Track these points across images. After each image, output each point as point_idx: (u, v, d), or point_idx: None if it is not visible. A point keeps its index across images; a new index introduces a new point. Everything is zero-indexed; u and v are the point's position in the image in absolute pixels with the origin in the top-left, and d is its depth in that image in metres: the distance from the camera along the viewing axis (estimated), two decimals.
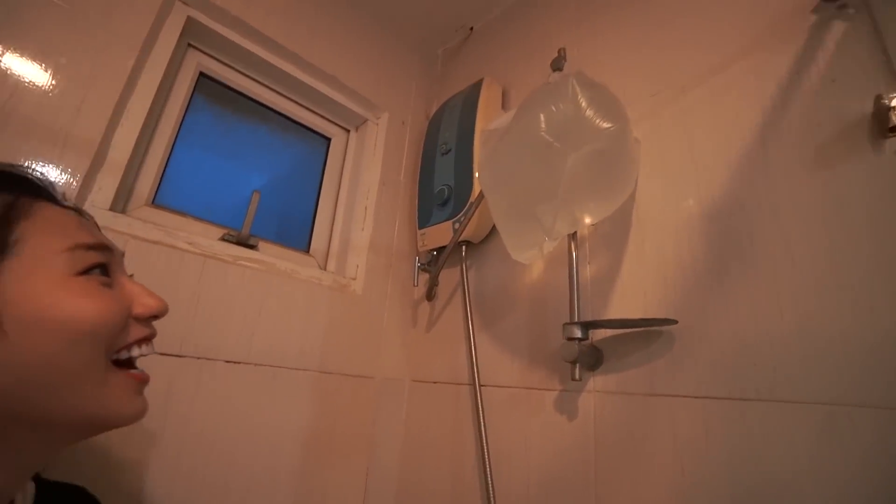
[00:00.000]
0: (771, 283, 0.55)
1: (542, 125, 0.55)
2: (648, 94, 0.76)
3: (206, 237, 0.78)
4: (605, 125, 0.54)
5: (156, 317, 0.39)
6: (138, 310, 0.37)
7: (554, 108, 0.56)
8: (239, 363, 0.74)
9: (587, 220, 0.62)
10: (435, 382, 0.92)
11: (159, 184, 0.81)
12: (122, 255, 0.40)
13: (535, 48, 1.01)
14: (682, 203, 0.66)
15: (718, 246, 0.61)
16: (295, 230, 1.03)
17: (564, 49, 0.85)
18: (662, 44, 0.77)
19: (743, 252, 0.59)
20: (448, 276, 1.00)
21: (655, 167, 0.71)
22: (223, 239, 0.83)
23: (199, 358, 0.69)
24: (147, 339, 0.38)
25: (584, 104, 0.55)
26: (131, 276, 0.40)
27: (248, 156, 1.00)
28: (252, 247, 0.87)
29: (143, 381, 0.38)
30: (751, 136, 0.62)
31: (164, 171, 0.82)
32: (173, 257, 0.71)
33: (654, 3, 0.80)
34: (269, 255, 0.87)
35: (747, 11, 0.67)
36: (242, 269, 0.78)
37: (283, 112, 1.03)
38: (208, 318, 0.71)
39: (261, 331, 0.78)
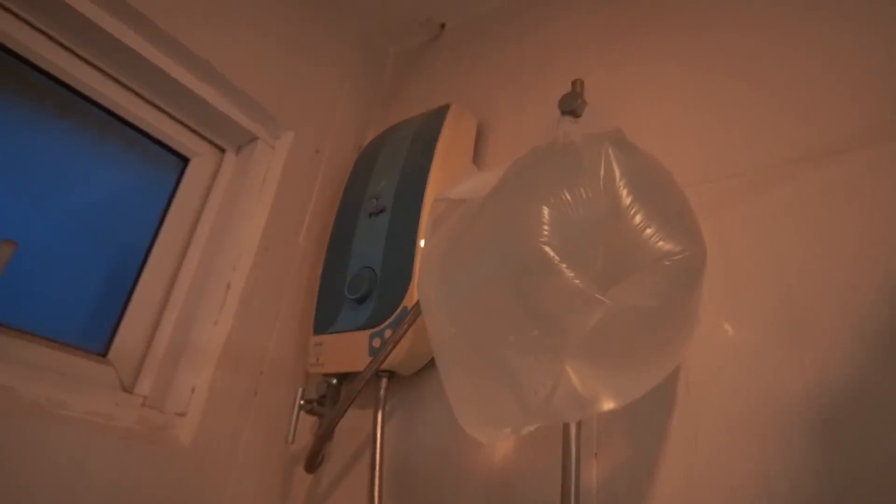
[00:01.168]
0: None
1: (545, 227, 0.39)
2: (704, 178, 0.65)
3: None
4: (669, 248, 0.40)
5: None
6: None
7: (569, 196, 0.41)
8: None
9: (607, 405, 0.46)
10: None
11: None
12: None
13: (534, 69, 0.93)
14: (767, 378, 0.53)
15: (832, 463, 0.47)
16: (89, 315, 0.80)
17: (582, 81, 0.75)
18: (740, 100, 0.68)
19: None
20: (352, 425, 0.81)
21: (722, 307, 0.58)
22: None
23: None
24: None
25: (626, 197, 0.41)
26: None
27: (21, 168, 0.77)
28: None
29: None
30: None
31: None
32: None
33: (736, 37, 0.72)
34: (7, 363, 0.65)
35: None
36: None
37: (102, 104, 0.83)
38: None
39: None
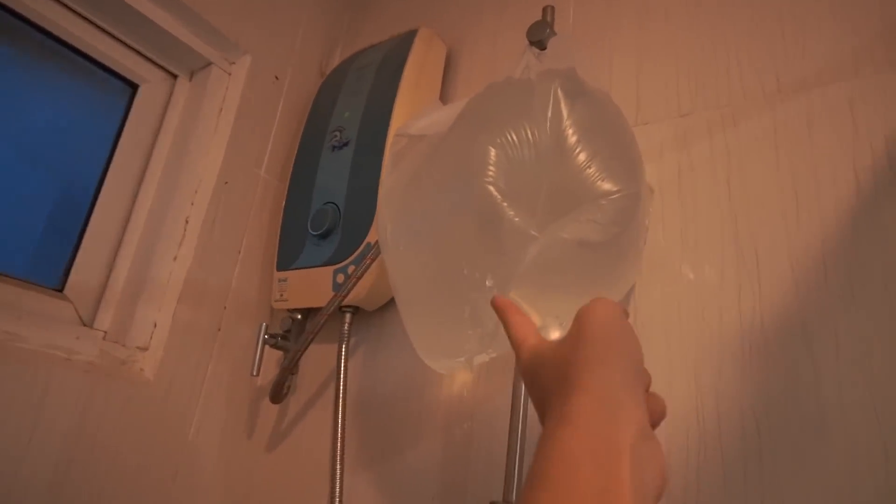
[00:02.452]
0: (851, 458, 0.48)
1: (491, 169, 0.42)
2: (677, 113, 0.68)
3: None
4: (607, 187, 0.43)
5: None
6: None
7: (514, 136, 0.43)
8: None
9: (554, 333, 0.50)
10: None
11: None
12: None
13: None
14: (712, 307, 0.58)
15: (768, 391, 0.52)
16: (42, 249, 0.81)
17: (553, 8, 0.75)
18: (714, 30, 0.69)
19: (803, 407, 0.51)
20: (316, 359, 0.86)
21: (676, 238, 0.62)
22: None
23: None
24: None
25: (571, 138, 0.43)
26: None
27: None
28: None
29: None
30: (856, 206, 0.54)
31: None
32: None
33: None
34: None
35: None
36: None
37: (43, 26, 0.81)
38: None
39: None
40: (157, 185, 0.89)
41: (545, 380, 0.32)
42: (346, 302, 0.77)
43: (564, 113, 0.44)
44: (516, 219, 0.40)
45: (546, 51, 0.65)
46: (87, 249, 0.83)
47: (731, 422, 0.55)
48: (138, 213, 0.87)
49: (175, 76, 0.95)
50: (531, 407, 0.62)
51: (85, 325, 0.80)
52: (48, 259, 0.82)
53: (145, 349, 0.80)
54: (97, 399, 0.73)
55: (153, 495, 0.77)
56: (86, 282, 0.82)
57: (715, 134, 0.65)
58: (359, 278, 0.73)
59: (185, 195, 0.88)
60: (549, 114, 0.44)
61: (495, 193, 0.41)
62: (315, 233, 0.82)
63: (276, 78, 1.00)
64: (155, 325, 0.81)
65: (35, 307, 0.76)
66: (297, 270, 0.84)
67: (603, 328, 0.31)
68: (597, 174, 0.43)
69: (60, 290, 0.80)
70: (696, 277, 0.61)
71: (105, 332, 0.80)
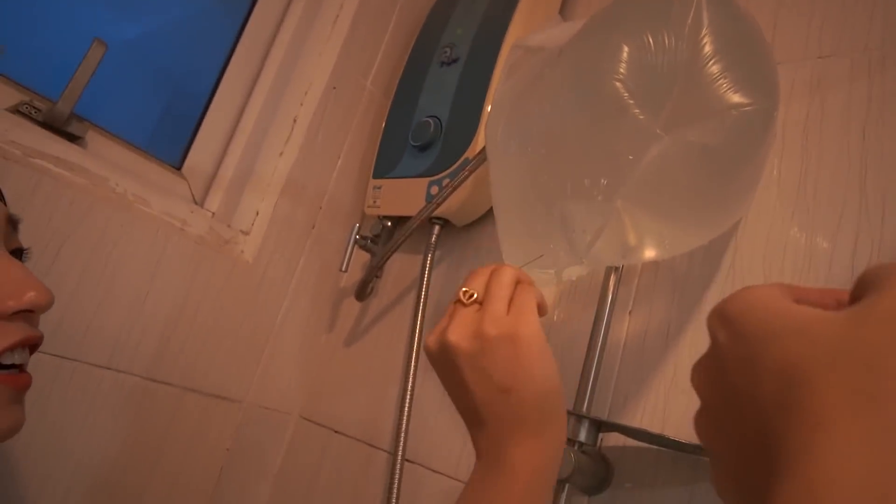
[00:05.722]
0: None
1: (622, 66, 0.42)
2: (815, 55, 0.64)
3: None
4: (738, 99, 0.42)
5: (30, 311, 0.42)
6: (1, 301, 0.40)
7: (651, 40, 0.43)
8: None
9: (650, 253, 0.51)
10: (336, 432, 0.85)
11: None
12: (9, 221, 0.46)
13: None
14: (820, 256, 0.56)
15: None
16: (164, 128, 0.89)
17: None
18: None
19: None
20: (401, 268, 0.91)
21: (792, 183, 0.61)
22: (17, 110, 0.69)
23: None
24: (19, 345, 0.41)
25: (708, 47, 0.43)
26: (20, 250, 0.47)
27: None
28: (73, 137, 0.73)
29: (20, 386, 0.42)
30: None
31: None
32: None
33: None
34: (101, 158, 0.75)
35: None
36: (38, 176, 0.65)
37: None
38: None
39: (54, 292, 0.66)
40: (271, 83, 0.94)
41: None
42: (436, 213, 0.80)
43: (705, 21, 0.44)
44: (641, 116, 0.41)
45: None
46: (205, 135, 0.90)
47: None
48: (252, 107, 0.93)
49: None
50: (612, 330, 0.64)
51: (197, 203, 0.88)
52: (170, 137, 0.90)
53: (247, 233, 0.87)
54: (203, 270, 0.81)
55: (240, 371, 0.86)
56: (201, 164, 0.90)
57: (857, 79, 0.61)
58: (454, 189, 0.75)
59: (296, 95, 0.93)
60: (689, 20, 0.43)
61: (623, 91, 0.42)
62: (415, 144, 0.85)
63: None
64: (257, 214, 0.88)
65: (156, 179, 0.84)
66: (392, 179, 0.88)
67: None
68: (729, 86, 0.43)
69: (179, 169, 0.88)
70: (808, 227, 0.59)
71: (213, 213, 0.88)
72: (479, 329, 0.37)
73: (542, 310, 0.41)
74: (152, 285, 0.76)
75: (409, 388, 0.78)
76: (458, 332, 0.37)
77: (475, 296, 0.39)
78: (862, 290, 0.20)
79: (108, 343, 0.71)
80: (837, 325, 0.18)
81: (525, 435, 0.35)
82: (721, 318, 0.22)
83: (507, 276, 0.40)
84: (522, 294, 0.39)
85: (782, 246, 0.60)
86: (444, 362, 0.39)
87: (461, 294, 0.40)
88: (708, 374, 0.22)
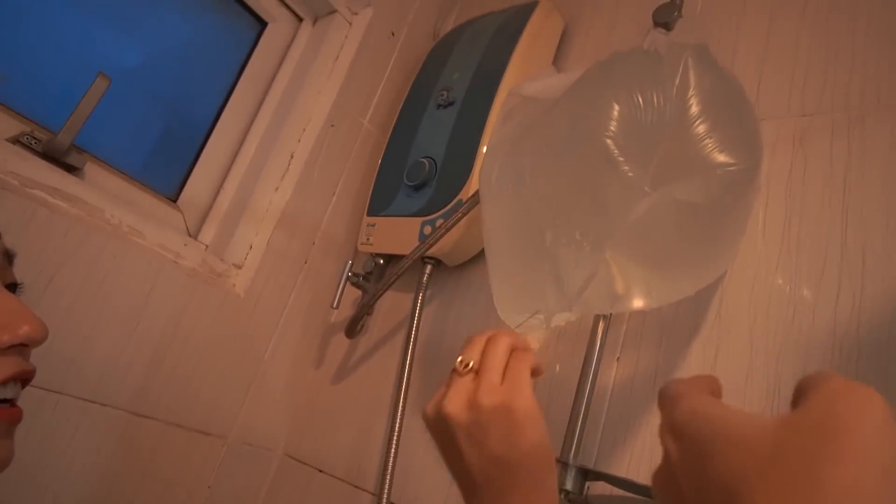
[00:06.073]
0: None
1: (613, 124, 0.44)
2: (798, 113, 0.67)
3: None
4: (723, 159, 0.44)
5: (24, 345, 0.42)
6: None
7: (640, 98, 0.45)
8: None
9: (638, 303, 0.52)
10: (321, 471, 0.84)
11: None
12: (5, 254, 0.46)
13: None
14: (804, 309, 0.58)
15: None
16: (161, 159, 0.90)
17: None
18: (848, 31, 0.67)
19: None
20: (392, 305, 0.91)
21: (776, 234, 0.62)
22: (17, 140, 0.70)
23: None
24: (12, 379, 0.41)
25: (695, 108, 0.45)
26: (14, 285, 0.47)
27: (117, 12, 0.86)
28: (72, 168, 0.74)
29: (11, 420, 0.42)
30: None
31: None
32: None
33: None
34: (98, 188, 0.75)
35: None
36: (35, 206, 0.66)
37: None
38: None
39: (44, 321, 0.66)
40: (269, 119, 0.96)
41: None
42: (429, 253, 0.81)
43: (692, 83, 0.46)
44: (630, 174, 0.43)
45: (673, 32, 0.66)
46: (202, 167, 0.91)
47: None
48: (250, 142, 0.95)
49: (301, 19, 1.02)
50: (600, 376, 0.65)
51: (191, 235, 0.88)
52: (167, 168, 0.91)
53: (240, 267, 0.88)
54: (194, 302, 0.81)
55: (226, 406, 0.85)
56: (197, 196, 0.91)
57: (838, 135, 0.64)
58: (447, 230, 0.76)
59: (294, 132, 0.95)
60: (677, 81, 0.45)
61: (613, 148, 0.43)
62: (410, 183, 0.86)
63: (392, 34, 1.05)
64: (251, 247, 0.89)
65: (152, 210, 0.85)
66: (386, 217, 0.89)
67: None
68: (715, 145, 0.44)
69: (175, 200, 0.89)
70: (792, 277, 0.61)
71: (207, 245, 0.88)
72: (475, 399, 0.38)
73: (536, 373, 0.42)
74: (142, 317, 0.76)
75: (397, 427, 0.77)
76: (455, 403, 0.38)
77: (471, 364, 0.40)
78: (796, 397, 0.23)
79: (93, 375, 0.71)
80: (770, 436, 0.20)
81: (517, 499, 0.36)
82: (671, 432, 0.24)
83: (501, 346, 0.41)
84: (517, 363, 0.40)
85: (767, 295, 0.61)
86: (441, 431, 0.40)
87: (458, 363, 0.41)
88: (665, 484, 0.24)
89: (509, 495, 0.36)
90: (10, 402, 0.42)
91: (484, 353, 0.41)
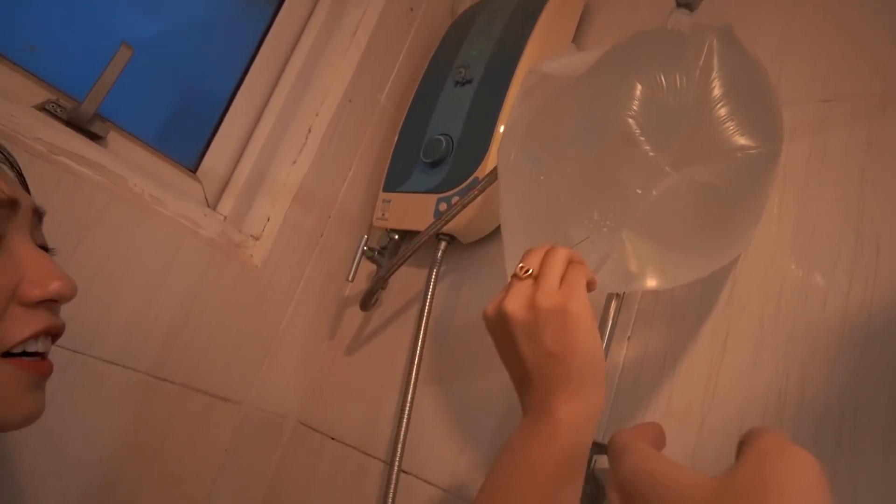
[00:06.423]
0: None
1: (635, 104, 0.44)
2: (819, 98, 0.67)
3: (8, 97, 0.66)
4: (744, 142, 0.44)
5: (54, 301, 0.43)
6: (27, 290, 0.41)
7: (663, 79, 0.46)
8: None
9: (651, 283, 0.53)
10: (333, 438, 0.86)
11: None
12: (35, 212, 0.46)
13: None
14: (816, 293, 0.58)
15: (860, 383, 0.53)
16: (181, 130, 0.91)
17: None
18: (875, 15, 0.67)
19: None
20: (405, 281, 0.92)
21: (791, 220, 0.63)
22: (43, 108, 0.71)
23: None
24: (42, 334, 0.42)
25: (718, 90, 0.45)
26: (45, 248, 0.47)
27: None
28: (95, 136, 0.75)
29: (42, 373, 0.43)
30: None
31: None
32: None
33: None
34: (121, 157, 0.76)
35: None
36: (60, 173, 0.67)
37: None
38: None
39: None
40: (288, 92, 0.97)
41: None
42: (444, 230, 0.82)
43: (715, 65, 0.46)
44: (651, 153, 0.43)
45: (693, 9, 0.65)
46: (221, 139, 0.92)
47: (814, 408, 0.56)
48: (268, 115, 0.96)
49: None
50: (611, 354, 0.66)
51: (210, 206, 0.90)
52: (187, 139, 0.92)
53: (257, 238, 0.89)
54: (212, 272, 0.82)
55: (242, 373, 0.87)
56: (216, 168, 0.92)
57: (858, 124, 0.64)
58: (463, 207, 0.77)
59: (311, 106, 0.95)
60: (701, 63, 0.46)
61: (635, 127, 0.44)
62: (426, 160, 0.87)
63: (411, 9, 1.05)
64: (268, 219, 0.90)
65: (172, 181, 0.86)
66: (402, 193, 0.90)
67: None
68: (736, 128, 0.45)
69: (194, 171, 0.90)
70: (805, 263, 0.61)
71: (225, 216, 0.89)
72: (533, 300, 0.41)
73: (591, 286, 0.44)
74: (163, 284, 0.78)
75: (409, 399, 0.79)
76: (515, 303, 0.41)
77: (531, 271, 0.43)
78: (738, 451, 0.25)
79: (117, 339, 0.73)
80: (709, 494, 0.23)
81: (568, 395, 0.39)
82: (616, 489, 0.27)
83: (560, 255, 0.43)
84: (573, 271, 0.43)
85: (780, 280, 0.62)
86: (500, 329, 0.43)
87: (518, 269, 0.44)
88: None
89: (558, 389, 0.39)
90: (41, 356, 0.43)
91: (543, 262, 0.43)
